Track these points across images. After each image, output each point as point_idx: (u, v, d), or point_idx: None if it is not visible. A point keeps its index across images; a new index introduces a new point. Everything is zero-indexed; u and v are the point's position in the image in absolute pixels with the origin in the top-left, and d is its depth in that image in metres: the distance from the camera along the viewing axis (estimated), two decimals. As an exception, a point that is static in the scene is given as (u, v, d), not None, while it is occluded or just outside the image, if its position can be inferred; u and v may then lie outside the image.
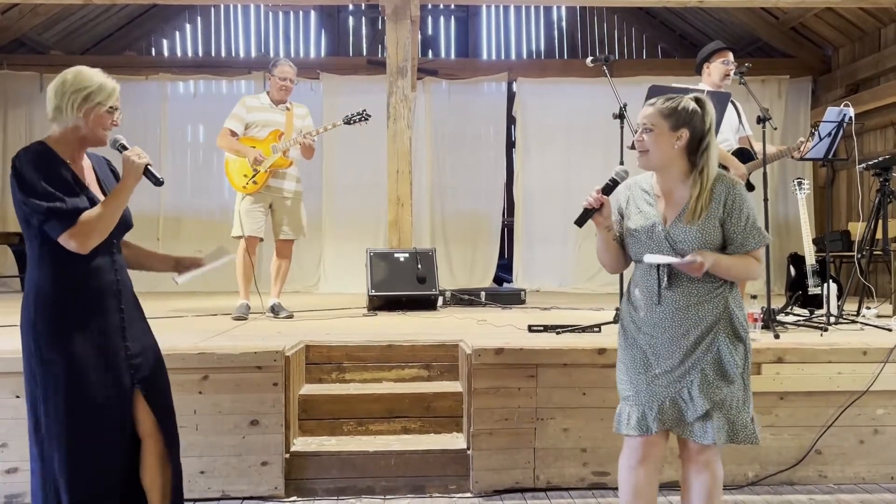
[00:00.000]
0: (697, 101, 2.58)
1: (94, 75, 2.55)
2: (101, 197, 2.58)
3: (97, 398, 2.51)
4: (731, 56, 5.05)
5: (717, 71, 5.02)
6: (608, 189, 2.60)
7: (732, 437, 2.53)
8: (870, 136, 8.44)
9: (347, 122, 5.78)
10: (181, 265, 2.84)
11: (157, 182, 2.61)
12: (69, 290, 2.50)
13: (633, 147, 4.04)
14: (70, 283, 2.51)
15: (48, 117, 2.57)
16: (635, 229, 2.61)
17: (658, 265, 2.55)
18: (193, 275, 2.80)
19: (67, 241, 2.44)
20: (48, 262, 2.50)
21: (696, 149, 2.55)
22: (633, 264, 2.73)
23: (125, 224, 2.66)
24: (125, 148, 2.61)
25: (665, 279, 2.54)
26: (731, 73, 4.99)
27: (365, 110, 5.80)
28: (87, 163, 2.65)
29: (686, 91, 2.80)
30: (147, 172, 2.59)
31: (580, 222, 2.60)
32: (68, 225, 2.43)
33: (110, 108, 2.55)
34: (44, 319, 2.49)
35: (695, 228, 2.52)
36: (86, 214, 2.46)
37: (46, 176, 2.44)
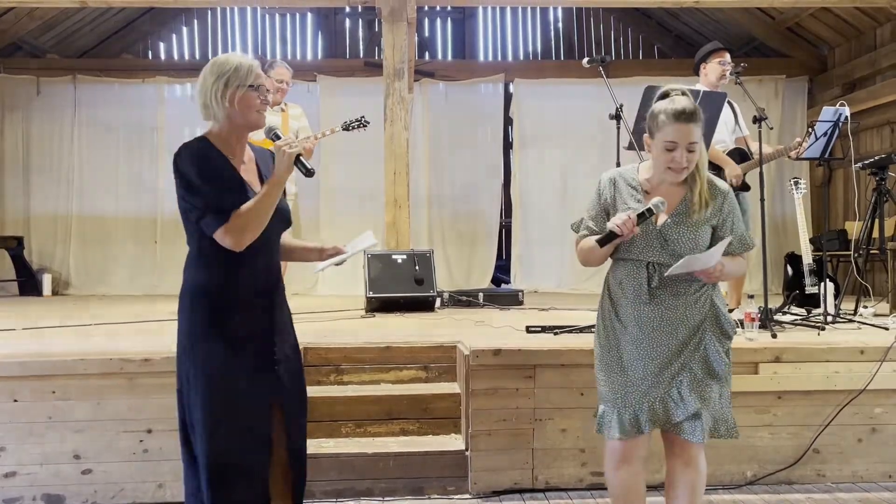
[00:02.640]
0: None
1: (229, 59, 2.43)
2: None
3: (241, 402, 2.38)
4: (727, 56, 5.08)
5: (714, 71, 5.05)
6: (642, 218, 2.49)
7: (714, 433, 2.56)
8: (866, 136, 8.45)
9: (346, 128, 5.76)
10: (325, 253, 2.68)
11: (308, 173, 2.46)
12: (227, 288, 2.38)
13: (630, 147, 4.06)
14: (229, 281, 2.38)
15: (202, 117, 2.44)
16: None
17: (647, 263, 2.53)
18: (332, 262, 2.64)
19: (223, 237, 2.32)
20: (208, 259, 2.39)
21: None
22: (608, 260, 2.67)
23: (284, 220, 2.53)
24: (278, 137, 2.48)
25: (655, 278, 2.53)
26: (728, 73, 5.01)
27: (363, 117, 5.78)
28: (248, 156, 2.52)
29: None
30: (298, 163, 2.42)
31: (603, 242, 2.51)
32: (223, 221, 2.31)
33: (251, 86, 2.40)
34: (200, 319, 2.37)
35: (690, 230, 2.52)
36: (240, 209, 2.33)
37: (203, 171, 2.34)
